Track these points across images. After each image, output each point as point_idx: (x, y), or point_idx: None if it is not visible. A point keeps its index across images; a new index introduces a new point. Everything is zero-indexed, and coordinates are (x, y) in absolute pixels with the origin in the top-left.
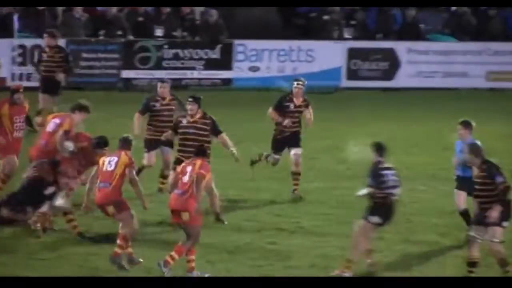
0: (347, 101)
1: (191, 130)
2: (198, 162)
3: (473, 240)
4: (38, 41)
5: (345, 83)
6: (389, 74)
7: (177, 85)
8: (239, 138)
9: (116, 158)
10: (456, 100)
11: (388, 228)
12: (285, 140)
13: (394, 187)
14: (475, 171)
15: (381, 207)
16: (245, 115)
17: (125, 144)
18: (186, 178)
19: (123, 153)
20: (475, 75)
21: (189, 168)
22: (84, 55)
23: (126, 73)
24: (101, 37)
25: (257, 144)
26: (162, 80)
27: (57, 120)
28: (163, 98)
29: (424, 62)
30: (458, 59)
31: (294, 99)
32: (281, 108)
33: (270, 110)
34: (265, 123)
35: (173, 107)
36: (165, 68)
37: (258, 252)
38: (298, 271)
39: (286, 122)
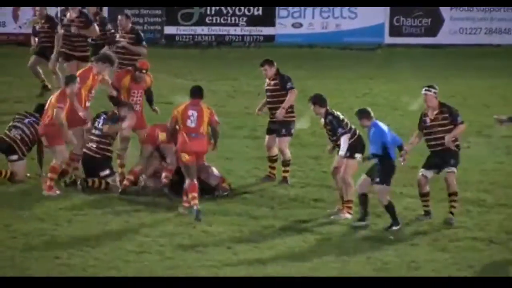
0: (389, 58)
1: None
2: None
3: None
4: None
5: (387, 39)
6: (432, 30)
7: (220, 41)
8: None
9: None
10: (498, 57)
11: (432, 185)
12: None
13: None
14: None
15: (357, 143)
16: (288, 72)
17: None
18: (194, 122)
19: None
20: None
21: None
22: (127, 11)
23: (169, 29)
24: None
25: (301, 102)
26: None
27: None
28: None
29: (467, 18)
30: (501, 15)
31: (428, 112)
32: (420, 125)
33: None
34: (309, 81)
35: None
36: (208, 24)
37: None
38: (342, 228)
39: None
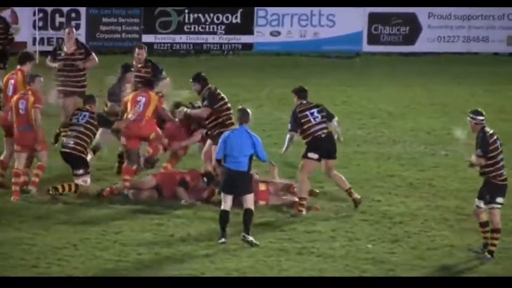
0: (367, 66)
1: None
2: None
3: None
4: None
5: (366, 47)
6: (410, 38)
7: (198, 49)
8: (260, 102)
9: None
10: (476, 65)
11: (409, 192)
12: None
13: (319, 123)
14: None
15: (314, 142)
16: (266, 80)
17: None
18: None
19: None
20: (496, 39)
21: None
22: (105, 19)
23: (146, 38)
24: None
25: (278, 108)
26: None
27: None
28: None
29: (445, 26)
30: (479, 23)
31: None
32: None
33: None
34: (288, 89)
35: None
36: (186, 33)
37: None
38: (321, 236)
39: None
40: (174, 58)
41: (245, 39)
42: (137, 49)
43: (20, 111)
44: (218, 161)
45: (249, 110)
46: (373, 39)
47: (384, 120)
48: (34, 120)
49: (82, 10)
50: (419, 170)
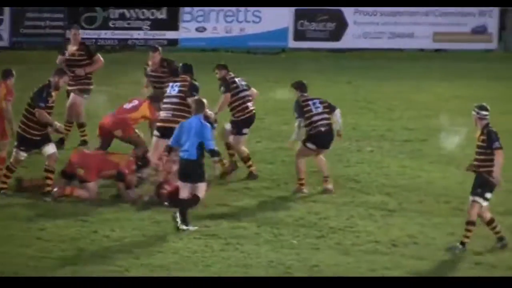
0: (294, 62)
1: None
2: None
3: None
4: None
5: (292, 43)
6: (336, 35)
7: (123, 44)
8: None
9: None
10: (402, 61)
11: (335, 188)
12: None
13: (320, 113)
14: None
15: (315, 135)
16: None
17: None
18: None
19: None
20: (421, 36)
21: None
22: (29, 14)
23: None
24: None
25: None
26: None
27: None
28: None
29: (371, 23)
30: (405, 20)
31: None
32: None
33: None
34: (213, 85)
35: None
36: (111, 28)
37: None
38: (246, 232)
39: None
40: (99, 53)
41: (171, 35)
42: (150, 53)
43: None
44: (169, 148)
45: (204, 101)
46: (299, 35)
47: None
48: (5, 111)
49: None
50: (344, 166)
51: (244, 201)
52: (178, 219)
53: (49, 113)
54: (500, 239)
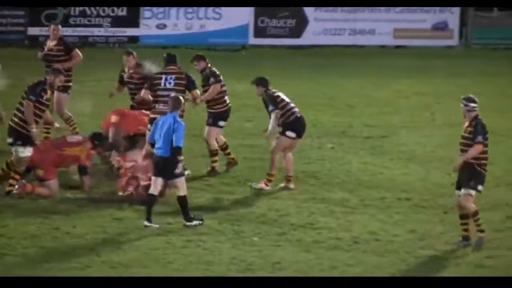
0: (254, 59)
1: None
2: None
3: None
4: None
5: (252, 40)
6: (296, 31)
7: (84, 42)
8: None
9: None
10: (363, 58)
11: (296, 185)
12: None
13: (290, 101)
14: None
15: (293, 121)
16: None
17: None
18: None
19: None
20: (382, 32)
21: None
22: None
23: (32, 30)
24: None
25: None
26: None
27: None
28: None
29: (331, 19)
30: (366, 16)
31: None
32: None
33: None
34: None
35: None
36: (72, 25)
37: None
38: (207, 229)
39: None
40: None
41: (131, 32)
42: (124, 57)
43: None
44: (151, 145)
45: (181, 98)
46: (260, 32)
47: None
48: None
49: None
50: (305, 163)
51: (205, 198)
52: (191, 224)
53: (42, 110)
54: (465, 238)
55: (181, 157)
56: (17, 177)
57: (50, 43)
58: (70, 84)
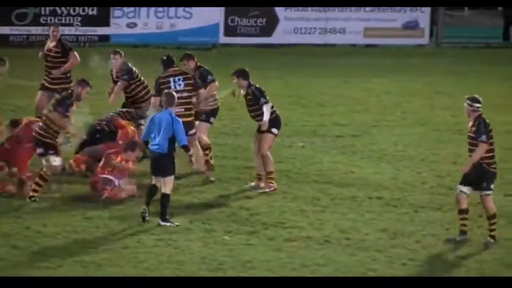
0: (225, 58)
1: None
2: None
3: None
4: None
5: (222, 39)
6: (267, 30)
7: None
8: None
9: None
10: (334, 57)
11: (267, 185)
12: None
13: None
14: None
15: (275, 118)
16: None
17: None
18: None
19: None
20: (353, 31)
21: None
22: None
23: (2, 30)
24: None
25: None
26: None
27: None
28: None
29: (302, 18)
30: (336, 15)
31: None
32: None
33: None
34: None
35: None
36: (42, 24)
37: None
38: (178, 228)
39: None
40: (30, 50)
41: (102, 30)
42: (111, 55)
43: None
44: (145, 143)
45: (175, 94)
46: (230, 31)
47: (241, 112)
48: None
49: None
50: (276, 161)
51: (175, 196)
52: (165, 224)
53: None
54: (463, 233)
55: (191, 152)
56: (42, 183)
57: (50, 44)
58: (70, 85)
